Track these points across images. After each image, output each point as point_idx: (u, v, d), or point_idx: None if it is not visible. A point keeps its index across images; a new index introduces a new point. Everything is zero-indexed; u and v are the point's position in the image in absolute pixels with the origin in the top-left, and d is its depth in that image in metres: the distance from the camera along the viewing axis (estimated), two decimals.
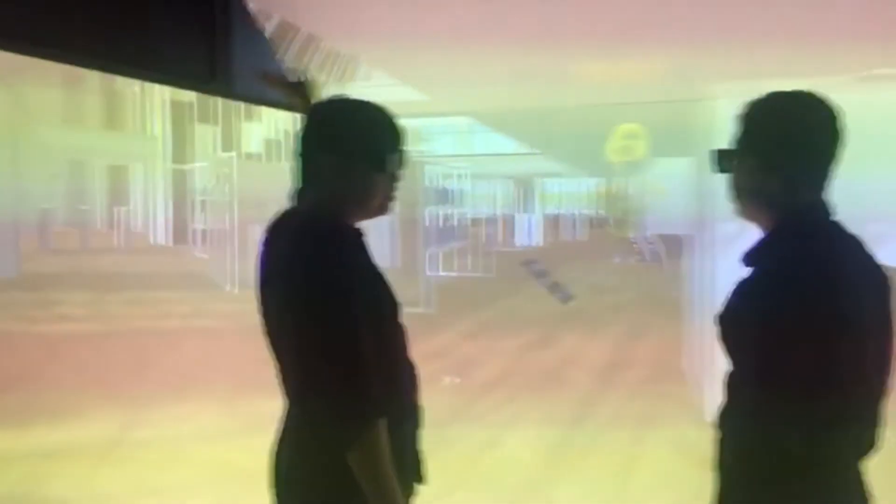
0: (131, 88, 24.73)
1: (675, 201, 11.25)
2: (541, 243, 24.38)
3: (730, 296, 1.51)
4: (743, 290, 1.48)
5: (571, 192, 31.51)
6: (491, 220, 25.41)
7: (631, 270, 15.97)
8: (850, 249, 1.45)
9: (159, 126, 24.86)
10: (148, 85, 19.43)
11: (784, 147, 1.46)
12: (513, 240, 24.94)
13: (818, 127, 1.47)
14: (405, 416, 1.66)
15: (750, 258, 1.49)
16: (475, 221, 23.45)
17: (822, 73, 4.24)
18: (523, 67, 5.13)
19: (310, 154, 1.62)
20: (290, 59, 4.14)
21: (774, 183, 1.47)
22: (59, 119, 23.71)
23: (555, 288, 11.71)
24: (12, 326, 9.26)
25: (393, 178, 1.66)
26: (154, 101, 24.96)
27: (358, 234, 1.65)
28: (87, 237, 20.66)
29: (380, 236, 13.55)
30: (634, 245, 18.77)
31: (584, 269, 15.88)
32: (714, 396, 5.72)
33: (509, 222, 26.66)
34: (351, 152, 1.59)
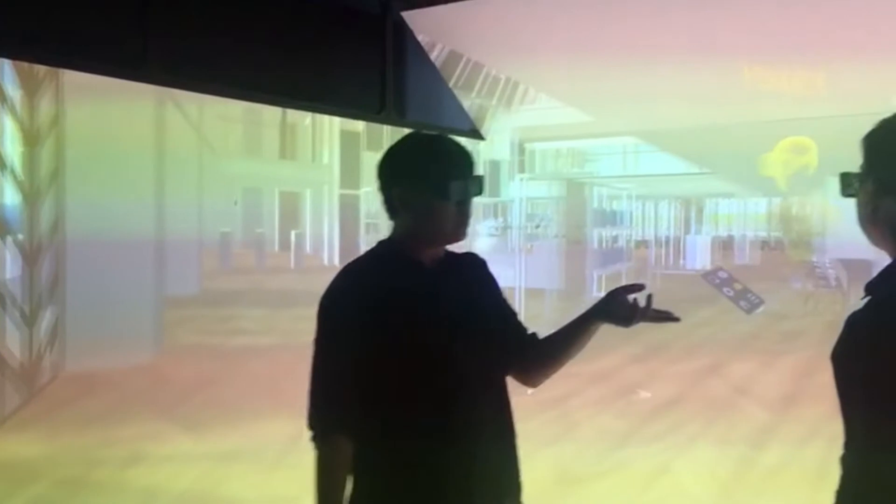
0: (304, 120, 26.38)
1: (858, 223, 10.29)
2: (708, 266, 23.17)
3: (843, 329, 1.40)
4: (852, 322, 1.37)
5: (742, 212, 29.77)
6: (657, 242, 24.52)
7: (811, 296, 14.77)
8: None
9: (328, 154, 26.34)
10: (319, 116, 20.62)
11: (857, 171, 1.38)
12: (679, 262, 23.91)
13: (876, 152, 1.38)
14: (436, 439, 1.66)
15: (870, 288, 1.39)
16: (640, 243, 22.75)
17: None
18: (688, 84, 4.91)
19: (381, 187, 1.72)
20: (458, 87, 4.23)
21: (893, 207, 1.35)
22: (239, 149, 25.74)
23: (742, 294, 11.02)
24: (194, 339, 10.03)
25: (461, 205, 1.69)
26: (325, 131, 26.52)
27: (410, 265, 1.70)
28: (262, 258, 22.00)
29: (546, 258, 13.48)
30: (816, 269, 17.38)
31: (759, 293, 14.88)
32: None
33: (676, 244, 25.61)
34: (411, 181, 1.67)
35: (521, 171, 20.12)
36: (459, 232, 1.71)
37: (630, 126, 8.67)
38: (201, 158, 16.35)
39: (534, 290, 11.57)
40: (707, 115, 6.44)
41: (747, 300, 10.54)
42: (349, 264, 1.73)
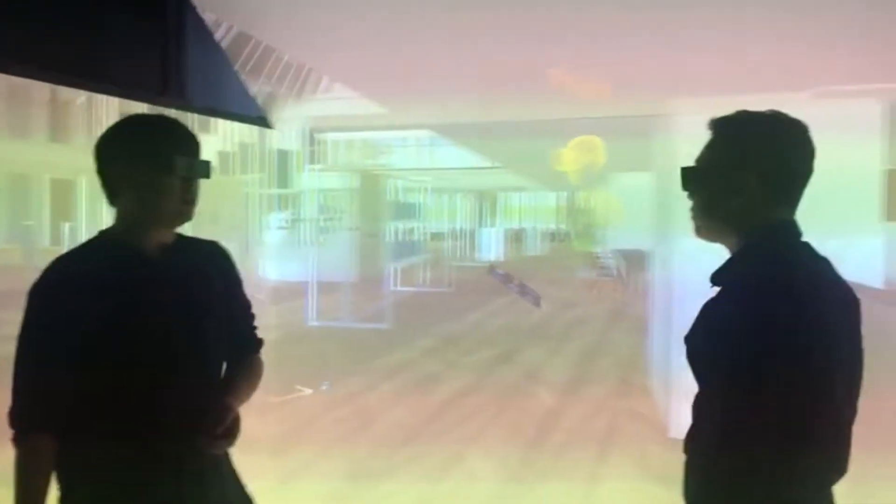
0: (77, 99, 24.27)
1: (637, 216, 11.40)
2: (502, 258, 24.48)
3: (697, 316, 1.51)
4: (710, 311, 1.47)
5: (533, 206, 31.78)
6: (452, 235, 25.46)
7: (594, 285, 16.11)
8: (819, 271, 1.46)
9: None
10: (96, 94, 19.08)
11: (754, 166, 1.46)
12: (474, 254, 25.02)
13: (788, 146, 1.48)
14: (143, 441, 1.66)
15: (718, 278, 1.50)
16: (436, 236, 23.49)
17: (777, 89, 4.36)
18: (483, 81, 5.17)
19: (100, 169, 1.71)
20: (246, 71, 4.12)
21: (742, 202, 1.47)
22: (1, 130, 23.17)
23: (523, 290, 11.76)
24: None
25: (186, 183, 1.70)
26: (102, 111, 24.54)
27: (126, 254, 1.69)
28: (31, 254, 20.10)
29: (339, 251, 13.51)
30: (598, 259, 18.96)
31: (547, 283, 15.97)
32: (678, 413, 5.78)
33: (470, 237, 26.75)
34: (135, 159, 1.67)
35: (313, 161, 19.92)
36: (185, 211, 1.71)
37: (426, 119, 8.92)
38: None
39: (327, 284, 11.56)
40: (500, 111, 6.81)
41: (530, 294, 11.31)
42: (61, 255, 1.69)
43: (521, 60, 4.40)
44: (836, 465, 1.42)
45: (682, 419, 6.06)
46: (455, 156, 25.47)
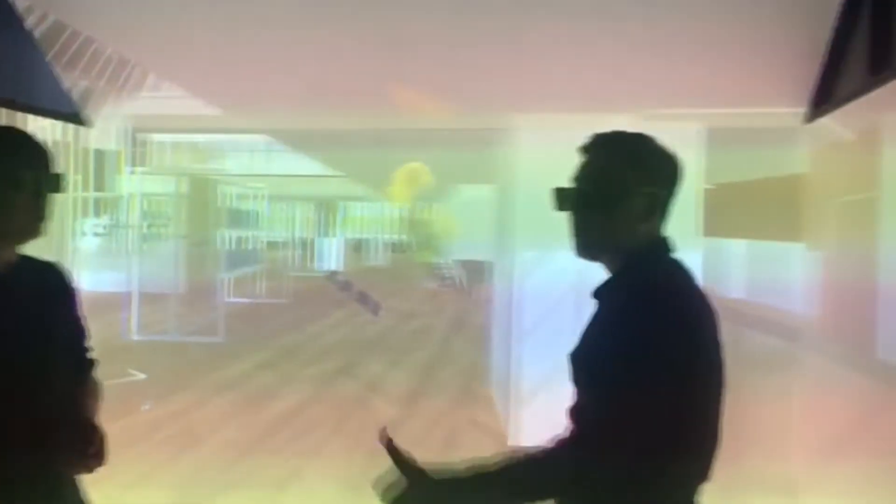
0: None
1: (478, 228, 11.76)
2: (342, 268, 24.37)
3: (582, 334, 1.57)
4: (594, 329, 1.55)
5: (375, 216, 31.88)
6: (289, 244, 25.03)
7: (435, 296, 16.41)
8: (690, 285, 1.55)
9: None
10: None
11: (648, 186, 1.54)
12: (312, 265, 24.73)
13: (675, 167, 1.58)
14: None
15: (600, 295, 1.58)
16: (272, 245, 22.99)
17: (608, 110, 4.67)
18: (323, 87, 5.14)
19: None
20: (61, 64, 3.87)
21: (630, 220, 1.55)
22: None
23: (362, 299, 11.79)
24: None
25: (35, 199, 1.68)
26: None
27: None
28: None
29: (164, 260, 12.89)
30: (439, 270, 19.33)
31: (388, 294, 16.08)
32: (518, 421, 5.99)
33: (309, 246, 26.42)
34: None
35: (136, 163, 18.86)
36: (33, 228, 1.69)
37: (262, 124, 8.72)
38: None
39: (151, 295, 11.02)
40: (342, 119, 6.79)
41: (370, 303, 11.38)
42: None
43: (364, 69, 4.42)
44: (707, 471, 1.52)
45: (521, 427, 6.32)
46: (293, 163, 25.11)
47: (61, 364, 1.78)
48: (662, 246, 1.58)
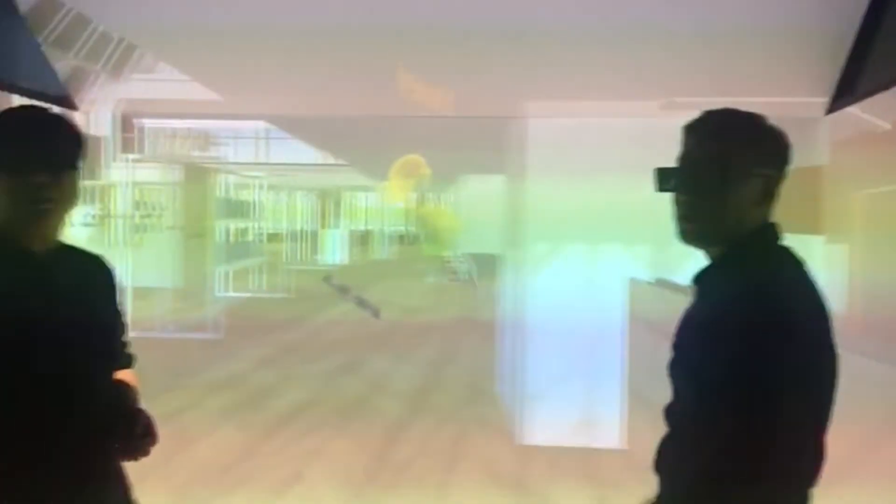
0: None
1: (488, 220, 11.75)
2: (346, 260, 24.42)
3: (681, 324, 1.56)
4: (693, 319, 1.54)
5: (380, 207, 31.84)
6: (291, 236, 25.08)
7: (444, 290, 16.43)
8: (801, 276, 1.52)
9: None
10: None
11: (763, 168, 1.52)
12: (315, 257, 24.77)
13: (787, 149, 1.56)
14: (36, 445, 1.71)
15: (702, 281, 1.57)
16: (273, 237, 23.04)
17: (624, 98, 4.67)
18: (329, 73, 5.15)
19: None
20: (49, 42, 3.89)
21: (743, 204, 1.51)
22: None
23: (361, 303, 11.83)
24: None
25: (32, 182, 1.69)
26: None
27: (13, 251, 1.72)
28: None
29: (159, 252, 12.95)
30: (448, 264, 19.36)
31: (395, 288, 16.13)
32: (527, 419, 6.02)
33: (312, 238, 26.45)
34: None
35: (127, 150, 18.82)
36: (38, 211, 1.70)
37: (263, 109, 8.72)
38: None
39: (143, 289, 11.07)
40: (346, 105, 6.77)
41: (369, 307, 11.42)
42: None
43: (372, 55, 4.43)
44: (814, 472, 1.50)
45: (529, 426, 6.35)
46: (295, 151, 25.10)
47: (101, 352, 1.83)
48: (772, 232, 1.55)
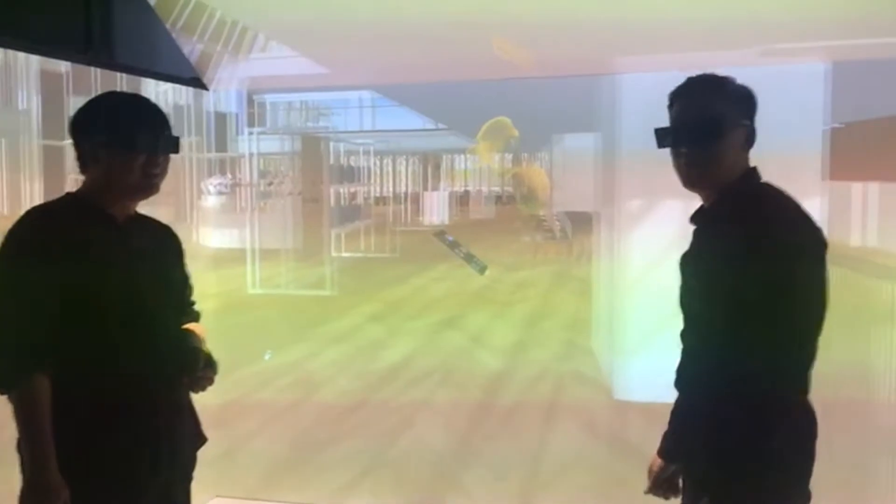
0: None
1: (582, 178, 11.51)
2: (447, 221, 24.50)
3: (688, 259, 1.77)
4: (705, 253, 1.71)
5: (478, 168, 31.74)
6: (396, 199, 25.33)
7: (539, 248, 16.27)
8: (789, 205, 1.68)
9: (26, 98, 23.33)
10: (13, 52, 18.18)
11: (745, 121, 1.73)
12: (418, 219, 24.97)
13: (748, 104, 1.74)
14: (128, 380, 1.85)
15: (700, 221, 1.77)
16: (379, 200, 23.34)
17: (724, 47, 4.37)
18: (426, 40, 5.08)
19: (75, 141, 1.89)
20: (177, 29, 3.97)
21: (745, 152, 1.73)
22: None
23: (469, 258, 11.83)
24: None
25: (150, 158, 1.87)
26: (20, 70, 23.42)
27: (100, 216, 1.87)
28: None
29: (280, 217, 13.30)
30: (543, 222, 19.13)
31: (493, 246, 16.06)
32: (622, 374, 5.85)
33: (415, 200, 26.64)
34: (102, 134, 1.85)
35: (252, 124, 19.46)
36: (149, 185, 1.89)
37: (367, 79, 8.77)
38: None
39: (269, 251, 11.39)
40: (442, 71, 6.70)
41: (476, 263, 11.38)
42: (33, 213, 1.83)
43: (465, 20, 4.33)
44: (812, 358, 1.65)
45: (625, 380, 6.17)
46: (399, 117, 25.26)
47: (171, 303, 1.99)
48: (756, 174, 1.74)
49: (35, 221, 1.81)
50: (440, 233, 16.14)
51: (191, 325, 2.06)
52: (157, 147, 1.88)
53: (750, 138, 1.74)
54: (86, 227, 1.83)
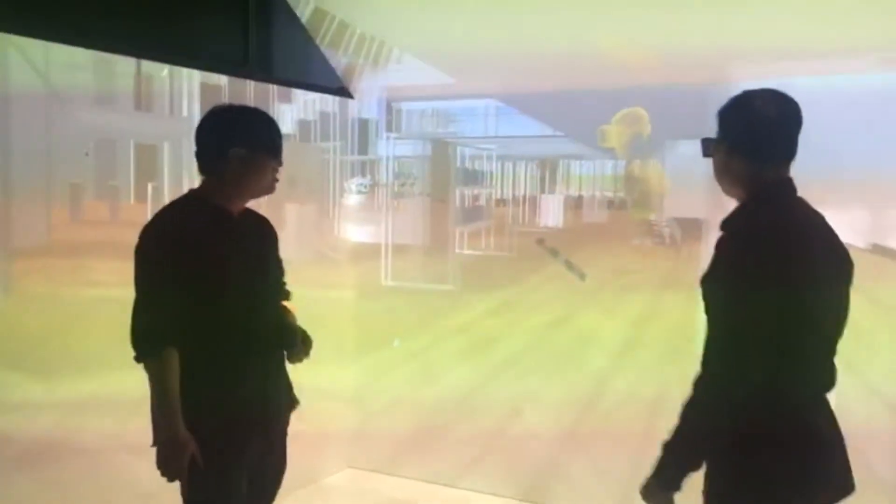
0: (160, 72, 24.71)
1: (694, 184, 11.06)
2: (560, 224, 24.16)
3: (711, 260, 1.71)
4: (715, 252, 1.67)
5: (592, 174, 31.13)
6: (514, 201, 25.23)
7: (648, 252, 15.79)
8: (810, 219, 1.65)
9: (188, 107, 24.81)
10: (177, 67, 19.35)
11: (748, 135, 1.69)
12: (535, 220, 24.75)
13: (753, 116, 1.70)
14: (241, 351, 2.03)
15: (724, 224, 1.72)
16: (500, 202, 23.31)
17: (842, 55, 4.06)
18: (545, 51, 5.02)
19: (217, 146, 2.03)
20: (325, 44, 4.11)
21: (742, 163, 1.68)
22: (90, 100, 23.74)
23: (568, 265, 11.64)
24: (43, 289, 9.28)
25: (270, 162, 2.06)
26: (183, 83, 24.94)
27: (221, 212, 2.03)
28: (116, 210, 20.66)
29: (412, 215, 13.51)
30: (653, 227, 18.54)
31: (603, 250, 15.71)
32: None
33: (532, 203, 26.43)
34: (251, 143, 2.01)
35: (389, 129, 20.01)
36: (273, 187, 2.10)
37: (490, 89, 8.79)
38: (49, 108, 15.00)
39: (400, 246, 11.60)
40: (560, 81, 6.62)
41: (575, 270, 11.16)
42: (165, 209, 2.01)
43: (584, 29, 4.25)
44: (823, 378, 1.62)
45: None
46: (519, 124, 25.12)
47: (272, 284, 2.18)
48: (782, 185, 1.67)
49: (167, 218, 1.98)
50: (541, 240, 15.96)
51: (286, 304, 2.22)
52: (281, 155, 2.08)
53: (791, 150, 1.67)
54: (207, 221, 1.99)
